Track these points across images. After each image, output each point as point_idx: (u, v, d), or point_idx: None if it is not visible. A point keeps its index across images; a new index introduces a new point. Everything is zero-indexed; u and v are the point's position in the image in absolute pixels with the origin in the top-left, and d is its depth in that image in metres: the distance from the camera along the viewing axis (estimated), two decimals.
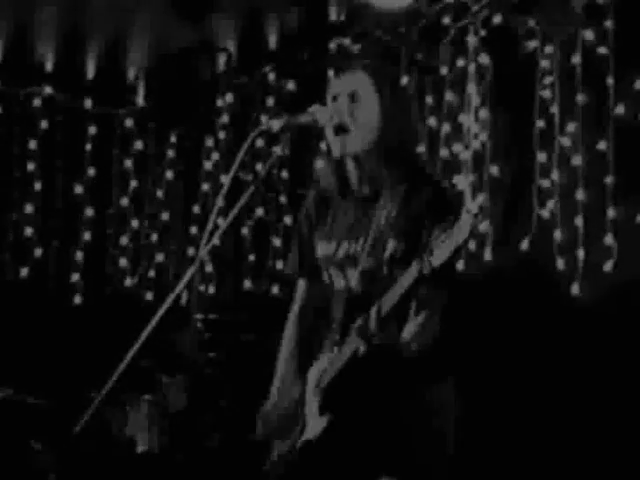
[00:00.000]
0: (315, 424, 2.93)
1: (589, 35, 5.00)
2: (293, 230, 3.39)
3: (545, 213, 5.09)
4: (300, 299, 3.25)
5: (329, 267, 3.07)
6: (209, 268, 6.69)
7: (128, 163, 7.17)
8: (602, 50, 4.95)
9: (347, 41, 5.80)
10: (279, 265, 6.41)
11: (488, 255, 5.23)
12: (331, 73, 5.72)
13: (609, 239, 4.83)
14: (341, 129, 2.98)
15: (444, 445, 2.94)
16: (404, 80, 3.87)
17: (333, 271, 3.05)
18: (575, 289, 4.89)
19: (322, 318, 3.08)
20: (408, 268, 2.65)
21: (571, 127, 5.05)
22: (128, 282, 7.10)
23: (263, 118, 6.39)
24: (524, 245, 5.10)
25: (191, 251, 6.86)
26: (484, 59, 5.38)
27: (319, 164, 3.14)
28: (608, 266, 4.81)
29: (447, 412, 2.97)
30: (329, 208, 3.13)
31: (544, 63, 5.17)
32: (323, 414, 2.91)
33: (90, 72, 6.93)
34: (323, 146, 3.12)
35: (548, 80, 5.15)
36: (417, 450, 2.89)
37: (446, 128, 5.51)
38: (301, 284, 3.25)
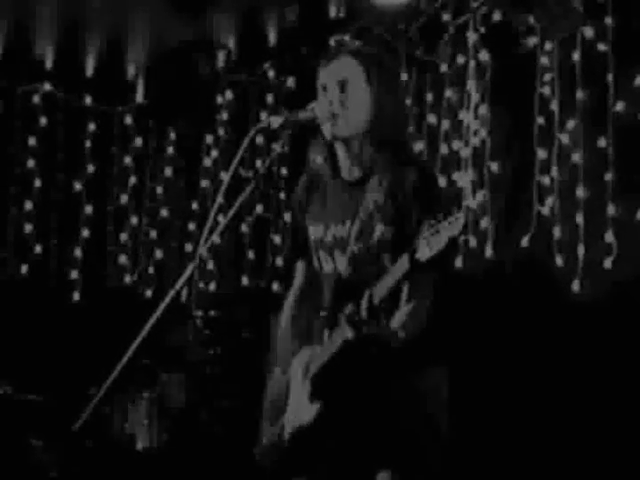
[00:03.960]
0: (306, 411, 2.94)
1: (589, 32, 5.00)
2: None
3: (545, 210, 5.09)
4: (298, 281, 3.26)
5: (318, 250, 3.08)
6: (209, 265, 6.68)
7: (127, 160, 7.17)
8: (602, 47, 4.96)
9: (347, 38, 5.80)
10: (279, 262, 6.42)
11: (489, 252, 5.24)
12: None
13: (609, 236, 4.83)
14: (332, 116, 2.99)
15: (438, 434, 2.94)
16: (398, 70, 3.87)
17: (322, 254, 3.06)
18: (575, 286, 4.90)
19: (316, 301, 3.09)
20: (399, 259, 2.67)
21: (571, 124, 5.06)
22: (127, 279, 7.10)
23: (263, 115, 6.38)
24: (524, 242, 5.10)
25: (190, 248, 6.85)
26: (484, 56, 5.38)
27: (312, 148, 3.13)
28: (608, 263, 4.81)
29: (440, 402, 2.97)
30: (319, 191, 3.14)
31: (544, 60, 5.17)
32: (313, 401, 2.92)
33: (89, 69, 6.93)
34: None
35: (548, 77, 5.15)
36: (410, 439, 2.89)
37: (446, 125, 5.52)
38: (299, 266, 3.25)
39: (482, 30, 5.37)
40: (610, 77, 4.91)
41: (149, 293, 7.03)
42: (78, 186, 7.07)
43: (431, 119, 5.59)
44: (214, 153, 6.84)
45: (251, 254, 6.59)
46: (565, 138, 5.08)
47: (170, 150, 7.14)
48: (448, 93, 5.53)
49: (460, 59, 5.47)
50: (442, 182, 5.34)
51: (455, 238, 2.55)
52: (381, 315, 2.75)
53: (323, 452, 2.97)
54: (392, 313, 2.85)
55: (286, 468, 3.04)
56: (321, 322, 2.98)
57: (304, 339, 3.07)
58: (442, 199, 2.95)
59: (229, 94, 6.76)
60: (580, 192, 4.97)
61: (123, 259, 7.11)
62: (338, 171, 3.08)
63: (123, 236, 7.14)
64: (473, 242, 5.30)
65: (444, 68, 5.53)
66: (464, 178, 5.37)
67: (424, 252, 2.59)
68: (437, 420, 2.95)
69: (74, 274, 7.02)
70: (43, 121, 6.96)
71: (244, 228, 6.58)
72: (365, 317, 2.73)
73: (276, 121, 3.00)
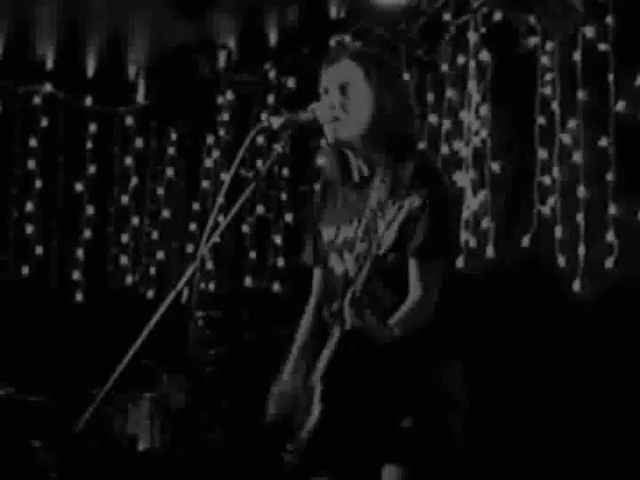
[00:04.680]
0: (317, 412, 2.94)
1: (589, 31, 5.00)
2: (305, 222, 3.41)
3: (546, 210, 5.09)
4: (317, 288, 3.26)
5: (330, 253, 3.09)
6: (210, 265, 6.68)
7: (128, 161, 7.17)
8: (603, 46, 4.95)
9: (347, 38, 5.80)
10: (280, 262, 6.42)
11: (490, 252, 5.23)
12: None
13: (610, 236, 4.83)
14: (334, 119, 2.99)
15: (448, 431, 2.93)
16: (398, 67, 3.85)
17: (334, 257, 3.07)
18: (576, 286, 4.89)
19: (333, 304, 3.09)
20: (367, 249, 2.71)
21: (572, 124, 5.05)
22: (129, 280, 7.10)
23: (263, 115, 6.38)
24: (525, 242, 5.10)
25: (192, 248, 6.85)
26: (484, 56, 5.38)
27: (322, 155, 3.16)
28: (609, 263, 4.81)
29: (453, 399, 2.97)
30: (333, 196, 3.16)
31: (544, 60, 5.17)
32: (320, 402, 2.93)
33: (90, 70, 6.93)
34: (323, 142, 3.12)
35: (549, 77, 5.15)
36: (418, 435, 2.89)
37: (447, 125, 5.52)
38: (317, 274, 3.26)
39: (483, 30, 5.37)
40: (611, 77, 4.91)
41: (150, 294, 7.03)
42: (79, 187, 7.08)
43: (432, 119, 5.59)
44: (215, 153, 6.84)
45: (252, 254, 6.59)
46: (566, 138, 5.08)
47: (171, 151, 7.14)
48: (449, 93, 5.52)
49: (461, 59, 5.47)
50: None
51: (402, 225, 2.60)
52: (364, 310, 2.75)
53: (334, 452, 2.97)
54: (388, 309, 2.86)
55: (306, 471, 3.04)
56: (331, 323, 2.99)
57: (324, 342, 3.08)
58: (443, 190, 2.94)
59: (230, 94, 6.77)
60: (581, 192, 4.97)
61: (124, 260, 7.12)
62: (349, 174, 3.10)
63: (124, 237, 7.14)
64: (474, 242, 5.30)
65: (445, 68, 5.53)
66: (465, 178, 5.37)
67: (385, 242, 2.63)
68: (450, 418, 2.95)
69: (76, 275, 7.03)
70: (44, 122, 6.96)
71: (245, 228, 6.58)
72: (347, 312, 2.73)
73: (277, 121, 3.01)
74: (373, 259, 2.69)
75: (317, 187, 3.26)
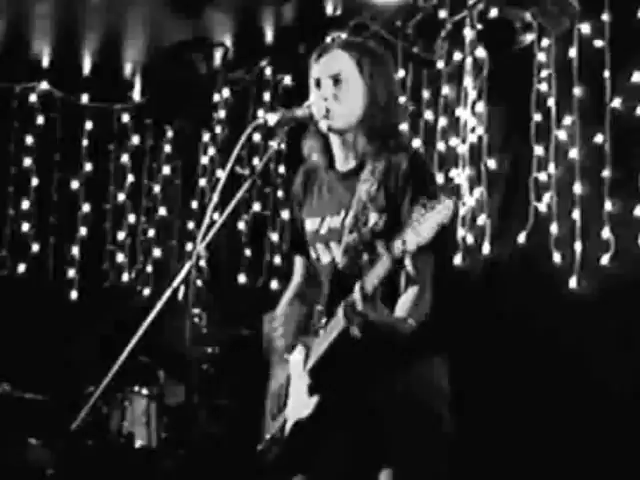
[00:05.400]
0: (305, 405, 2.93)
1: (585, 28, 5.01)
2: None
3: (542, 206, 5.09)
4: (297, 276, 3.26)
5: (315, 242, 3.08)
6: (206, 263, 6.68)
7: (125, 158, 7.16)
8: (598, 43, 4.96)
9: (343, 35, 5.80)
10: (276, 259, 6.42)
11: (486, 248, 5.24)
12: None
13: (606, 232, 4.84)
14: (328, 111, 2.99)
15: (440, 428, 2.93)
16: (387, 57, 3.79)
17: (319, 246, 3.07)
18: (572, 282, 4.90)
19: (315, 294, 3.09)
20: (389, 247, 2.66)
21: (568, 120, 5.06)
22: (125, 277, 7.10)
23: (260, 112, 6.38)
24: (521, 238, 5.11)
25: (188, 246, 6.85)
26: (481, 53, 5.38)
27: (308, 140, 3.12)
28: (605, 259, 4.82)
29: (441, 395, 2.97)
30: (316, 184, 3.14)
31: (541, 56, 5.18)
32: (312, 394, 2.91)
33: (86, 67, 6.93)
34: (311, 129, 3.10)
35: (545, 73, 5.16)
36: (411, 434, 2.88)
37: (443, 122, 5.52)
38: (298, 261, 3.25)
39: (479, 27, 5.37)
40: (607, 73, 4.92)
41: (147, 291, 7.03)
42: (75, 184, 7.07)
43: (428, 116, 5.60)
44: (211, 151, 6.84)
45: (248, 252, 6.59)
46: (562, 134, 5.08)
47: (167, 148, 7.14)
48: (445, 90, 5.53)
49: (457, 56, 5.48)
50: (439, 179, 5.35)
51: (444, 225, 2.54)
52: (377, 304, 2.74)
53: (323, 447, 2.97)
54: (392, 301, 2.85)
55: (287, 463, 3.04)
56: (319, 313, 2.99)
57: (303, 332, 3.07)
58: (433, 184, 2.95)
59: (226, 92, 6.77)
60: (577, 188, 4.97)
61: (121, 257, 7.11)
62: (333, 162, 3.09)
63: (121, 234, 7.14)
64: (470, 239, 5.30)
65: (441, 65, 5.53)
66: (461, 175, 5.38)
67: (413, 240, 2.58)
68: (439, 414, 2.95)
69: (72, 272, 7.02)
70: (40, 119, 6.96)
71: (241, 226, 6.58)
72: (361, 307, 2.72)
73: (273, 118, 3.01)
74: (398, 258, 2.64)
75: (297, 176, 3.23)
